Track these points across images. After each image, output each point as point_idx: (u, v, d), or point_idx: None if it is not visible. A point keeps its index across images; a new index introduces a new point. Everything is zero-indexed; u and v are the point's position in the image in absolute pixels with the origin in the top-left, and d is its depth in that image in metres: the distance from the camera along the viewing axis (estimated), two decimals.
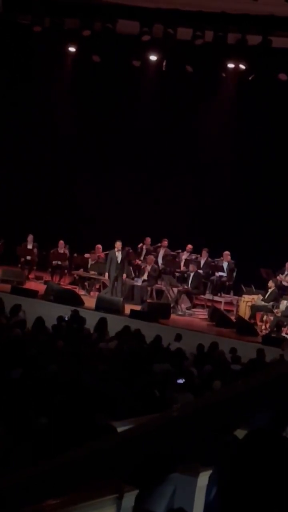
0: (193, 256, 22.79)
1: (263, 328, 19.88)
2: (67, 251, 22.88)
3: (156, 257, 22.79)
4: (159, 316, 19.41)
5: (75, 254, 22.91)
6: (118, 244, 21.25)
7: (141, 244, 23.22)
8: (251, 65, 22.25)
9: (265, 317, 20.18)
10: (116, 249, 21.27)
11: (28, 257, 22.94)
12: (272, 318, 19.76)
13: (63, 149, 25.03)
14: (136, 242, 23.16)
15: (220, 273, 21.86)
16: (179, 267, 22.59)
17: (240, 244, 22.35)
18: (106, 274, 21.35)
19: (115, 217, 23.65)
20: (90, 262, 22.34)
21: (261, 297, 20.34)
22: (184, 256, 22.86)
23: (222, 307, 21.11)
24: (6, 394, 7.90)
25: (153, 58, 23.35)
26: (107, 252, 21.95)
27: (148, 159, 24.55)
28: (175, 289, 21.36)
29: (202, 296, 21.89)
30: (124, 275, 21.50)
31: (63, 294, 20.37)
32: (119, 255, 21.22)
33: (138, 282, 21.62)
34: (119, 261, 21.16)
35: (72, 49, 24.15)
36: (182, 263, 22.62)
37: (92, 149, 24.90)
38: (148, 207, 24.01)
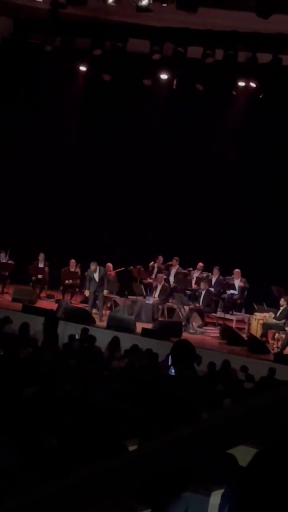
0: (205, 274, 22.76)
1: (274, 346, 19.81)
2: (78, 270, 22.89)
3: (168, 275, 22.79)
4: (171, 335, 19.33)
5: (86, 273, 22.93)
6: (93, 267, 21.50)
7: (152, 263, 23.24)
8: (261, 83, 22.28)
9: (276, 335, 20.11)
10: (92, 270, 21.51)
11: (40, 276, 22.97)
12: (284, 336, 19.70)
13: (73, 168, 25.06)
14: (147, 260, 23.18)
15: (232, 291, 21.80)
16: (191, 285, 22.55)
17: (252, 262, 22.31)
18: (87, 291, 21.73)
19: (126, 236, 23.64)
20: None
21: (273, 315, 20.28)
22: (196, 274, 22.83)
23: (233, 325, 21.08)
24: (18, 412, 7.86)
25: (163, 76, 23.41)
26: (117, 270, 22.04)
27: (159, 177, 24.58)
28: (187, 307, 21.33)
29: (214, 314, 21.85)
30: (106, 292, 21.67)
31: (74, 312, 20.38)
32: (96, 275, 21.43)
33: (150, 301, 21.60)
34: (97, 280, 21.40)
35: (83, 68, 24.26)
36: (193, 281, 22.58)
37: (103, 168, 24.92)
38: (159, 225, 24.03)
